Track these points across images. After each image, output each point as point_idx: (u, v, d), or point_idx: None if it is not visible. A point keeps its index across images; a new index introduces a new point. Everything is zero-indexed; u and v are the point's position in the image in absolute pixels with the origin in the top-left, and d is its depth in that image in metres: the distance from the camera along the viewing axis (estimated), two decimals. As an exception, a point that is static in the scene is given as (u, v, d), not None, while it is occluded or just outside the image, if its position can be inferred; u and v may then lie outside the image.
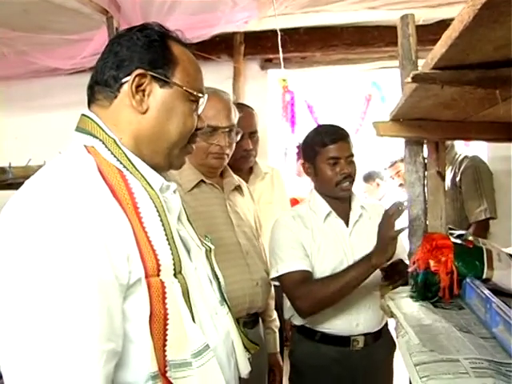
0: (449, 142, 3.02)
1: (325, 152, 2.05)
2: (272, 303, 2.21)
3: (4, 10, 2.72)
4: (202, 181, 1.91)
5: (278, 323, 2.24)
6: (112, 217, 0.91)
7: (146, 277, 0.92)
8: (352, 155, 2.05)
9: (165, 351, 0.93)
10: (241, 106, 2.61)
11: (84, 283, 0.83)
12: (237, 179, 2.09)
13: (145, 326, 0.91)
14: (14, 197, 0.91)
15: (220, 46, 3.84)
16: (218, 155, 1.90)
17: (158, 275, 0.94)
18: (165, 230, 0.99)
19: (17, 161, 2.45)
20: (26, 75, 3.87)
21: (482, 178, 3.03)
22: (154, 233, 0.96)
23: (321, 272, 1.99)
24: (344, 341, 2.01)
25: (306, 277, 1.97)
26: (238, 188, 2.08)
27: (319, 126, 2.23)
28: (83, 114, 1.06)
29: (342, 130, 2.12)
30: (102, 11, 2.75)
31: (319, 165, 2.08)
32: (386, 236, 1.80)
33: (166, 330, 0.94)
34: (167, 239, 0.99)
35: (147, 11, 2.74)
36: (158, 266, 0.94)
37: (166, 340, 0.93)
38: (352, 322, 1.99)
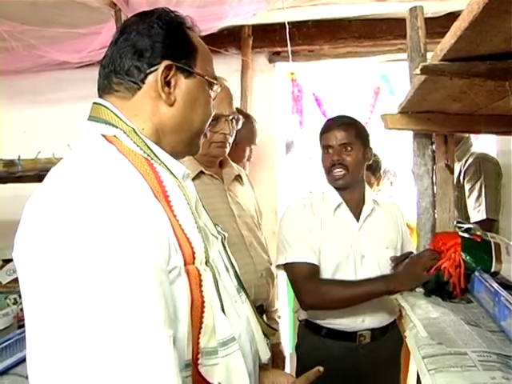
0: (465, 134, 2.99)
1: (322, 140, 2.07)
2: (274, 293, 2.20)
3: (13, 3, 2.72)
4: (202, 171, 1.90)
5: (280, 313, 2.24)
6: (151, 204, 0.90)
7: (185, 264, 0.92)
8: (349, 143, 2.01)
9: (199, 338, 0.93)
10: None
11: (142, 269, 0.81)
12: (236, 168, 2.07)
13: (184, 315, 0.90)
14: (42, 189, 0.88)
15: (228, 39, 3.83)
16: (221, 144, 1.89)
17: (193, 263, 0.94)
18: (194, 218, 0.99)
19: (25, 154, 2.46)
20: (34, 69, 3.86)
21: (485, 176, 2.95)
22: (185, 221, 0.96)
23: (325, 265, 1.98)
24: (350, 336, 2.00)
25: (314, 271, 1.95)
26: (238, 177, 2.06)
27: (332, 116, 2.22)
28: (96, 103, 1.03)
29: (345, 118, 2.09)
30: (111, 4, 2.74)
31: (321, 153, 2.09)
32: (416, 272, 1.71)
33: (203, 317, 0.94)
34: (197, 227, 0.98)
35: (155, 4, 2.73)
36: (193, 253, 0.94)
37: (201, 328, 0.94)
38: (358, 319, 1.98)
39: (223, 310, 0.99)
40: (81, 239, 0.79)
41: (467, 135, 3.04)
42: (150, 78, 1.01)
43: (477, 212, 2.91)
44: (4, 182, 2.56)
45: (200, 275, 0.95)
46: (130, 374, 0.77)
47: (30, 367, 0.82)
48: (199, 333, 0.93)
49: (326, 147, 2.05)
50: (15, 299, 1.77)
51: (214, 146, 1.88)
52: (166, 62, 1.00)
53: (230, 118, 1.88)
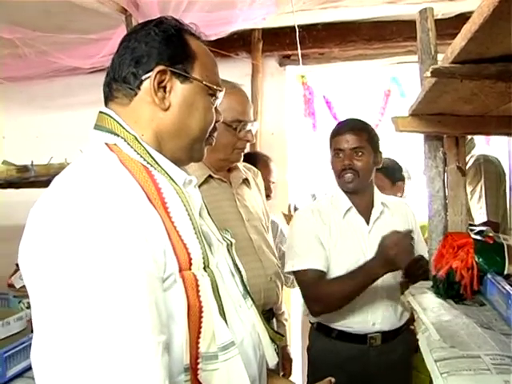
0: (468, 136, 2.96)
1: (333, 143, 2.08)
2: (281, 296, 2.20)
3: (25, 10, 2.75)
4: (210, 176, 1.90)
5: (286, 316, 2.25)
6: (145, 212, 0.92)
7: (180, 270, 0.93)
8: (361, 148, 2.02)
9: (198, 343, 0.94)
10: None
11: (133, 276, 0.83)
12: (243, 172, 2.07)
13: (181, 320, 0.92)
14: (44, 197, 0.90)
15: (238, 43, 3.84)
16: (242, 150, 1.91)
17: (190, 269, 0.95)
18: (193, 224, 1.00)
19: (38, 159, 2.48)
20: (46, 75, 3.90)
21: (486, 178, 2.93)
22: (182, 227, 0.97)
23: (336, 270, 1.99)
24: (361, 338, 2.00)
25: (320, 277, 1.97)
26: (246, 181, 2.06)
27: (344, 119, 2.22)
28: (101, 112, 1.06)
29: (358, 122, 2.10)
30: (121, 10, 2.76)
31: (331, 157, 2.09)
32: (387, 251, 1.80)
33: (201, 322, 0.94)
34: (195, 233, 0.99)
35: (165, 9, 2.75)
36: (190, 259, 0.95)
37: (200, 332, 0.94)
38: (368, 321, 1.98)
39: (224, 315, 1.00)
40: (73, 250, 0.82)
41: (470, 137, 3.01)
42: (146, 83, 1.02)
43: (479, 214, 2.89)
44: (17, 187, 2.58)
45: (197, 280, 0.95)
46: (115, 378, 0.79)
47: (32, 363, 0.86)
48: (198, 337, 0.94)
49: (336, 151, 2.05)
50: (29, 303, 1.78)
51: (236, 152, 1.89)
52: (159, 67, 1.01)
53: (252, 124, 1.90)
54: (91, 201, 0.86)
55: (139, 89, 1.03)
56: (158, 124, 1.04)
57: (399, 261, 1.78)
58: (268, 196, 2.96)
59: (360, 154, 2.01)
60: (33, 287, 0.86)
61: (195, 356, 0.93)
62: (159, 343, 0.84)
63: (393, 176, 3.07)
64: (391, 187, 3.04)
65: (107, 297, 0.80)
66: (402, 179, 3.27)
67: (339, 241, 2.01)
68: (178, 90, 1.05)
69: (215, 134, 1.17)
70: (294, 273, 2.03)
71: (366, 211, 2.07)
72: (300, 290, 2.07)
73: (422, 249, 2.08)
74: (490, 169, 2.98)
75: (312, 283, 1.96)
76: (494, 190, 2.93)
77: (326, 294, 1.93)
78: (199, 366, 0.94)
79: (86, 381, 0.78)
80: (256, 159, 3.01)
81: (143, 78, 1.02)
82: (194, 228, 1.00)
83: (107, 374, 0.78)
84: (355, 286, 1.88)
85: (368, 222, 2.05)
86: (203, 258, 0.99)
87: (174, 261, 0.92)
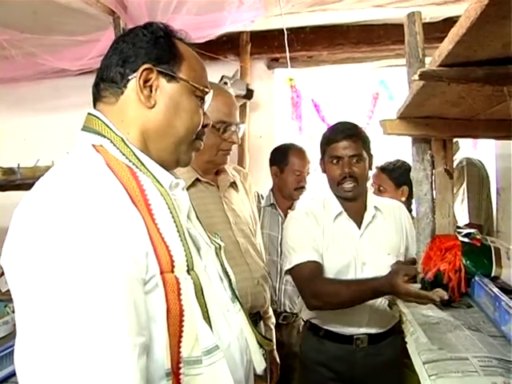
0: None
1: (329, 150, 2.05)
2: (268, 300, 2.19)
3: (13, 12, 2.73)
4: (197, 179, 1.89)
5: (273, 320, 2.24)
6: (128, 213, 0.91)
7: (161, 273, 0.92)
8: (359, 155, 2.01)
9: (179, 347, 0.93)
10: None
11: (112, 277, 0.83)
12: (231, 175, 2.06)
13: (162, 323, 0.91)
14: (28, 198, 0.90)
15: (226, 46, 3.85)
16: (227, 152, 1.90)
17: (172, 271, 0.94)
18: (177, 226, 0.99)
19: (25, 162, 2.47)
20: (34, 77, 3.88)
21: (469, 181, 2.96)
22: (166, 230, 0.96)
23: (326, 272, 1.99)
24: (347, 339, 2.01)
25: (317, 269, 1.95)
26: (233, 184, 2.05)
27: (335, 123, 2.17)
28: (89, 113, 1.06)
29: (352, 128, 2.07)
30: (109, 12, 2.75)
31: (326, 163, 2.08)
32: (396, 282, 1.68)
33: (182, 326, 0.94)
34: (179, 236, 0.99)
35: (153, 11, 2.74)
36: (172, 262, 0.94)
37: (181, 336, 0.93)
38: (354, 324, 1.99)
39: (208, 319, 0.99)
40: (53, 252, 0.82)
41: (455, 140, 3.01)
42: (132, 82, 1.04)
43: (461, 217, 2.91)
44: (3, 190, 2.56)
45: (179, 283, 0.95)
46: (89, 378, 0.79)
47: (15, 366, 0.86)
48: (180, 341, 0.93)
49: (333, 158, 2.03)
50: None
51: (221, 154, 1.88)
52: (145, 66, 1.02)
53: (239, 126, 1.89)
54: (73, 203, 0.86)
55: (126, 87, 1.04)
56: (144, 122, 1.04)
57: (398, 293, 1.70)
58: (303, 187, 2.97)
59: (358, 160, 2.00)
60: (14, 288, 0.86)
61: (176, 360, 0.93)
62: (136, 345, 0.83)
63: (397, 179, 2.84)
64: (394, 190, 2.85)
65: (85, 297, 0.81)
66: (409, 183, 3.17)
67: (331, 244, 2.01)
68: (164, 89, 1.05)
69: (203, 138, 1.17)
70: (293, 269, 2.00)
71: (357, 215, 2.06)
72: (297, 285, 2.04)
73: (413, 249, 2.08)
74: (472, 172, 3.00)
75: (310, 276, 1.92)
76: (476, 192, 2.95)
77: (325, 292, 1.89)
78: (181, 371, 0.93)
79: (62, 382, 0.78)
80: (288, 150, 3.00)
81: (130, 77, 1.03)
82: (178, 231, 0.99)
83: (82, 374, 0.78)
84: (356, 292, 1.82)
85: (360, 227, 2.05)
86: (187, 261, 0.98)
87: (155, 263, 0.92)
